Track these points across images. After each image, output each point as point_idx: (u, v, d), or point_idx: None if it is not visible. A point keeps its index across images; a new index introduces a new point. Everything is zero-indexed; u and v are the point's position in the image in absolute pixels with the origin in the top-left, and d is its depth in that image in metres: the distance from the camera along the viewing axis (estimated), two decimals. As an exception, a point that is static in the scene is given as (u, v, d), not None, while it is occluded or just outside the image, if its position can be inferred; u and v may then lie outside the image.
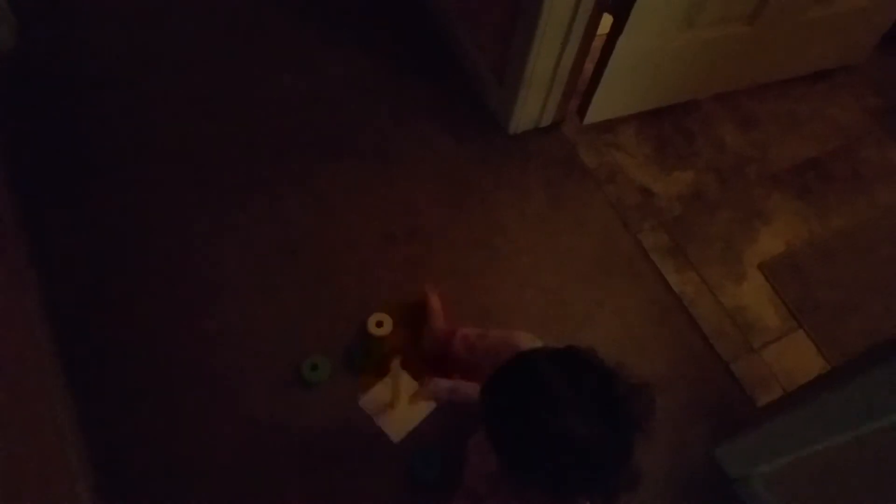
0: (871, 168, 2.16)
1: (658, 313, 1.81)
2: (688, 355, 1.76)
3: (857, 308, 1.87)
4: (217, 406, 1.59)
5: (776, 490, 1.53)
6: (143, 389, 1.60)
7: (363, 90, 2.10)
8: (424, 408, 1.55)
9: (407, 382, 1.57)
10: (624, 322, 1.79)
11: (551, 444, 0.93)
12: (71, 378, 1.58)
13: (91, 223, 1.80)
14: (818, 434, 1.35)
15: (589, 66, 1.93)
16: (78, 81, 2.02)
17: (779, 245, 1.96)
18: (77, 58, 2.06)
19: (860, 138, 2.22)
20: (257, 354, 1.66)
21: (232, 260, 1.77)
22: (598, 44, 1.86)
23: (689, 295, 1.84)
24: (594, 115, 2.05)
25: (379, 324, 1.69)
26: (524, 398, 0.97)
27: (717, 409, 1.70)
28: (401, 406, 1.54)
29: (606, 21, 1.81)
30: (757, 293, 1.87)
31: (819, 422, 1.34)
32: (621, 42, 1.80)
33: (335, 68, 2.14)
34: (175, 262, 1.76)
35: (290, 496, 1.49)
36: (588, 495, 1.02)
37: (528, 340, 1.39)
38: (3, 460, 1.12)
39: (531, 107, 1.98)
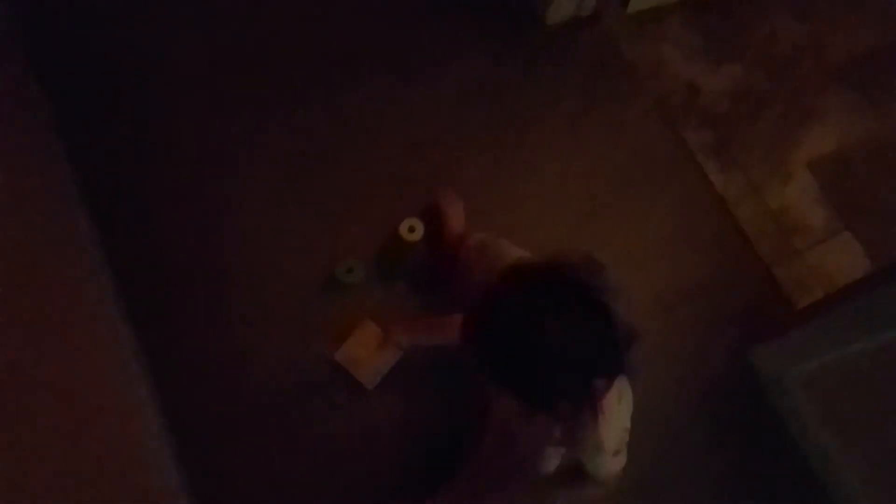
0: (937, 59, 2.01)
1: (699, 214, 1.77)
2: (728, 257, 1.73)
3: (909, 210, 1.79)
4: (255, 308, 1.62)
5: (809, 392, 1.54)
6: (185, 295, 1.63)
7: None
8: (392, 356, 1.58)
9: (376, 335, 1.59)
10: (662, 224, 1.75)
11: (540, 356, 0.96)
12: (117, 277, 1.62)
13: (124, 139, 1.77)
14: (856, 335, 1.34)
15: (635, -52, 1.80)
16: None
17: (830, 144, 1.87)
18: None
19: (928, 26, 2.06)
20: (293, 258, 1.67)
21: (265, 171, 1.74)
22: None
23: (732, 195, 1.78)
24: (639, 2, 1.92)
25: (411, 229, 1.67)
26: (504, 327, 0.98)
27: (754, 312, 1.68)
28: (371, 357, 1.57)
29: None
30: (804, 194, 1.80)
31: (858, 322, 1.32)
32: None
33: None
34: (208, 175, 1.74)
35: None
36: (601, 373, 1.03)
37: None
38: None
39: (570, -6, 1.85)
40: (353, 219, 1.71)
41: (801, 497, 1.54)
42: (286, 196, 1.73)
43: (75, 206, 1.65)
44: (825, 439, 1.50)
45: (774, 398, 1.59)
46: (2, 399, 0.99)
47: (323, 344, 1.58)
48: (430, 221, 1.68)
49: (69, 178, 1.68)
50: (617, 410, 1.11)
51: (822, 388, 1.52)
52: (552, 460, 1.36)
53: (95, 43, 1.87)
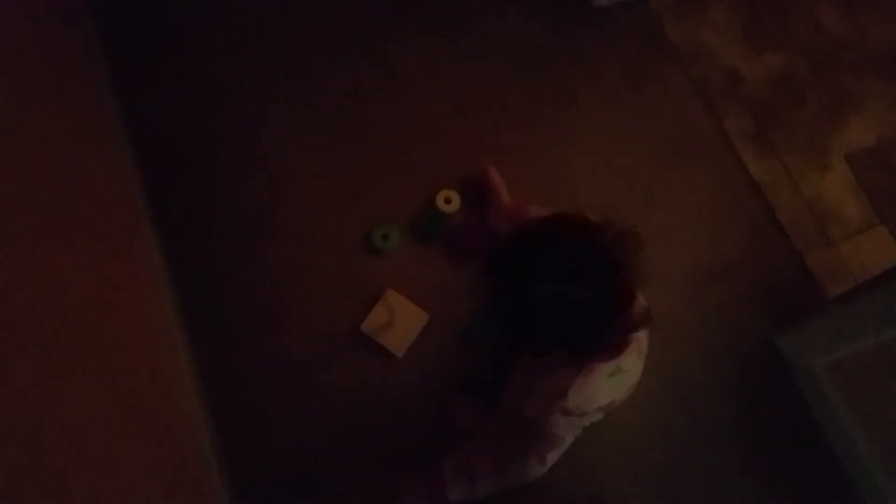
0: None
1: (734, 199, 1.77)
2: (761, 243, 1.73)
3: (945, 206, 1.79)
4: (290, 268, 1.65)
5: (834, 379, 1.55)
6: (221, 249, 1.66)
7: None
8: (418, 322, 1.60)
9: (401, 303, 1.61)
10: (697, 206, 1.76)
11: (544, 314, 0.97)
12: (161, 234, 1.65)
13: (174, 90, 1.81)
14: (883, 324, 1.34)
15: (684, -69, 1.80)
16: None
17: (869, 136, 1.86)
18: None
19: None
20: (330, 218, 1.70)
21: (305, 129, 1.78)
22: None
23: (768, 182, 1.78)
24: (685, -14, 1.92)
25: (447, 200, 1.70)
26: (510, 289, 1.00)
27: (784, 298, 1.69)
28: (397, 325, 1.59)
29: None
30: (840, 185, 1.80)
31: (885, 311, 1.32)
32: None
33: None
34: (252, 129, 1.78)
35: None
36: (598, 344, 1.05)
37: None
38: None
39: (617, -25, 1.86)
40: (391, 182, 1.74)
41: (825, 482, 1.55)
42: (327, 155, 1.76)
43: (122, 150, 1.69)
44: (849, 426, 1.52)
45: (800, 383, 1.61)
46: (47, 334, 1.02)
47: (351, 313, 1.61)
48: (472, 192, 1.69)
49: (118, 119, 1.71)
50: (601, 381, 1.11)
51: (847, 376, 1.53)
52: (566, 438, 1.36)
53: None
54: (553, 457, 1.28)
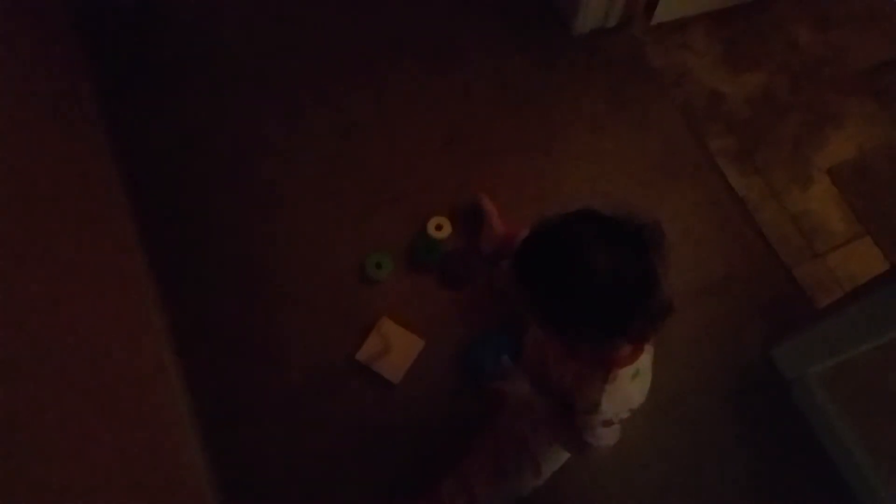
0: (955, 70, 2.04)
1: (720, 217, 1.80)
2: (749, 259, 1.76)
3: (928, 215, 1.82)
4: (284, 298, 1.67)
5: (830, 390, 1.56)
6: (214, 280, 1.69)
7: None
8: (414, 349, 1.62)
9: (396, 330, 1.63)
10: (685, 226, 1.79)
11: (585, 284, 0.97)
12: (153, 267, 1.68)
13: (167, 122, 1.86)
14: (874, 332, 1.35)
15: (659, -40, 1.86)
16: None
17: (850, 150, 1.90)
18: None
19: (946, 38, 2.09)
20: (322, 250, 1.72)
21: (298, 161, 1.82)
22: (670, -65, 1.77)
23: (753, 199, 1.82)
24: (663, 13, 1.98)
25: (438, 227, 1.73)
26: (551, 256, 1.01)
27: (775, 312, 1.71)
28: (393, 353, 1.61)
29: None
30: (824, 198, 1.83)
31: (876, 320, 1.34)
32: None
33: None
34: (243, 160, 1.82)
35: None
36: (628, 327, 1.03)
37: None
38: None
39: (597, 5, 1.91)
40: (383, 211, 1.77)
41: (825, 495, 1.55)
42: (320, 186, 1.80)
43: (113, 183, 1.71)
44: (847, 436, 1.52)
45: (797, 396, 1.61)
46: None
47: (347, 342, 1.63)
48: (463, 221, 1.73)
49: (110, 163, 1.74)
50: (627, 385, 1.12)
51: (842, 386, 1.54)
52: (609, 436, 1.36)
53: (145, 26, 1.98)
54: (548, 470, 1.29)
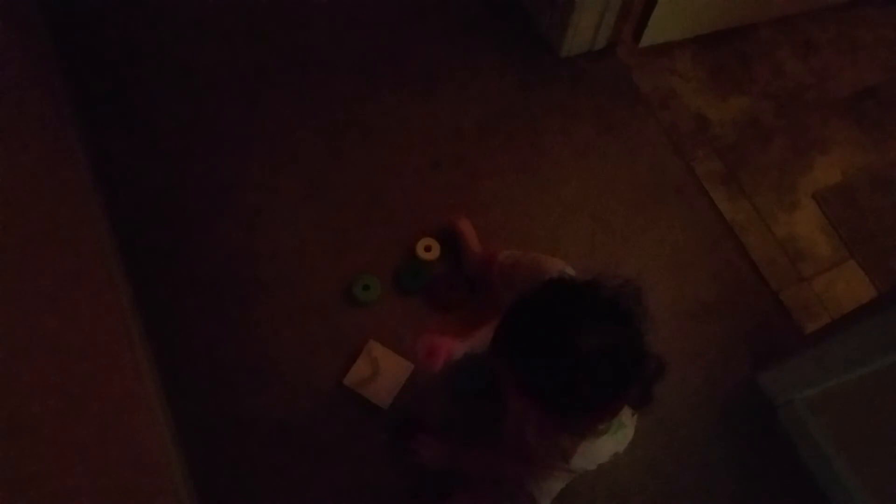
0: (935, 97, 2.08)
1: (708, 241, 1.81)
2: (736, 283, 1.76)
3: (911, 240, 1.84)
4: (270, 323, 1.65)
5: (818, 415, 1.56)
6: (199, 306, 1.66)
7: (410, 12, 2.06)
8: (403, 372, 1.60)
9: (384, 354, 1.61)
10: (672, 249, 1.79)
11: (577, 367, 0.95)
12: (136, 294, 1.65)
13: (148, 147, 1.83)
14: (865, 357, 1.36)
15: (646, -14, 1.87)
16: (132, 5, 2.01)
17: (835, 174, 1.92)
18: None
19: (925, 65, 2.13)
20: (311, 272, 1.70)
21: (283, 185, 1.80)
22: (657, -39, 1.79)
23: (740, 223, 1.83)
24: (650, 37, 1.99)
25: (427, 248, 1.72)
26: (539, 347, 0.98)
27: (762, 337, 1.71)
28: (381, 377, 1.59)
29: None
30: (809, 222, 1.85)
31: (866, 344, 1.34)
32: (682, -41, 1.73)
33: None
34: (228, 185, 1.80)
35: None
36: (625, 396, 1.02)
37: (557, 267, 1.37)
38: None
39: (584, 29, 1.93)
40: (371, 234, 1.76)
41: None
42: (306, 209, 1.78)
43: (95, 212, 1.68)
44: (833, 461, 1.52)
45: (784, 421, 1.62)
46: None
47: (334, 367, 1.60)
48: (449, 243, 1.72)
49: (91, 186, 1.72)
50: (602, 441, 1.10)
51: (829, 412, 1.55)
52: (558, 483, 1.36)
53: (124, 49, 1.95)
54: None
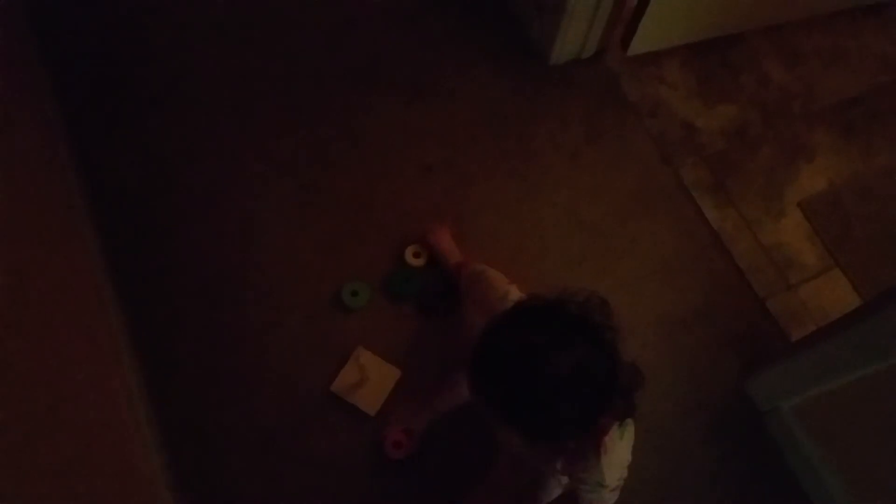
0: (919, 106, 2.10)
1: (695, 249, 1.82)
2: (723, 291, 1.77)
3: (896, 248, 1.86)
4: (259, 328, 1.64)
5: (806, 422, 1.57)
6: (188, 311, 1.65)
7: (400, 18, 2.06)
8: (391, 379, 1.59)
9: (372, 361, 1.61)
10: (660, 256, 1.80)
11: (555, 393, 0.95)
12: (123, 301, 1.64)
13: (138, 155, 1.82)
14: (850, 364, 1.37)
15: (635, -5, 1.88)
16: (121, 10, 2.00)
17: (821, 183, 1.94)
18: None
19: (910, 75, 2.16)
20: (300, 278, 1.70)
21: (273, 189, 1.80)
22: (646, -30, 1.80)
23: (727, 231, 1.84)
24: (638, 46, 2.00)
25: (416, 254, 1.72)
26: (513, 379, 0.97)
27: (749, 344, 1.72)
28: (369, 383, 1.58)
29: (657, -54, 1.75)
30: (796, 231, 1.86)
31: (851, 352, 1.35)
32: (670, -32, 1.75)
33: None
34: (219, 191, 1.79)
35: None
36: (611, 408, 1.03)
37: (499, 294, 1.38)
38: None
39: (573, 36, 1.93)
40: (360, 240, 1.75)
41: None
42: (296, 215, 1.77)
43: (81, 215, 1.68)
44: (821, 468, 1.53)
45: (772, 428, 1.62)
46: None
47: (322, 373, 1.60)
48: (430, 251, 1.72)
49: (77, 189, 1.71)
50: (619, 447, 1.12)
51: (816, 419, 1.55)
52: (555, 490, 1.38)
53: (113, 56, 1.94)
54: None
